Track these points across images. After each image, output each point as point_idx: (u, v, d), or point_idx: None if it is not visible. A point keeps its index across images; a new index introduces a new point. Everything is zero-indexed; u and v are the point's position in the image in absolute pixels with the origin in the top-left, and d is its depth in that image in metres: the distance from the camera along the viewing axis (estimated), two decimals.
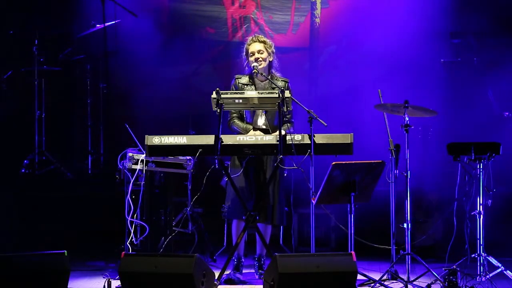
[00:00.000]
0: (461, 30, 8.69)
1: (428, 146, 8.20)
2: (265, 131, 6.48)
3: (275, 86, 6.45)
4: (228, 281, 6.35)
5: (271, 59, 6.58)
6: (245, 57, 6.63)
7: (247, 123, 6.54)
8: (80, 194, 8.05)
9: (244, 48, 6.62)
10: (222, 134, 6.09)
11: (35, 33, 8.61)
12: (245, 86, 6.53)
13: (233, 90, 6.45)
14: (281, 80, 6.54)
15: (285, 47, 9.04)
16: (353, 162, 6.01)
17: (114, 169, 7.04)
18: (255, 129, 6.49)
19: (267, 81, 6.56)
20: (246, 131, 6.47)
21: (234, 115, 6.58)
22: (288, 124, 6.53)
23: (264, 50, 6.53)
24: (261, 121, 6.53)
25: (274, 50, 6.61)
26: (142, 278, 5.45)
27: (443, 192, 7.70)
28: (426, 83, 8.40)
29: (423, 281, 6.11)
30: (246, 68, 6.63)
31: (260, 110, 6.47)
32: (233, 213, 6.47)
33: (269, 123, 6.51)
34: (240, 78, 6.61)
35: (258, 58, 6.49)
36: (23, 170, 8.41)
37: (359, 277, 5.97)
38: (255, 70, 6.46)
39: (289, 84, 6.56)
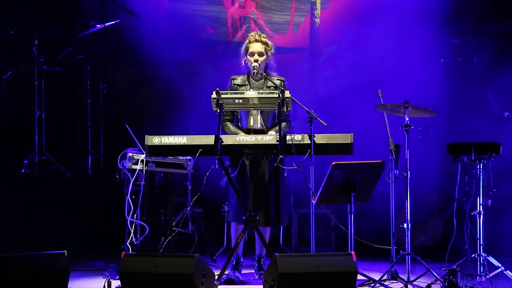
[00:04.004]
0: (461, 30, 8.69)
1: (428, 146, 8.20)
2: (260, 132, 6.46)
3: (270, 85, 6.45)
4: (228, 281, 6.34)
5: (268, 61, 6.57)
6: (243, 54, 6.58)
7: (238, 127, 6.52)
8: (80, 194, 8.06)
9: (244, 45, 6.58)
10: (221, 134, 6.10)
11: (35, 33, 8.62)
12: (240, 87, 6.51)
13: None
14: (277, 79, 6.53)
15: (285, 47, 9.04)
16: (353, 162, 6.00)
17: (114, 169, 7.04)
18: (249, 130, 6.47)
19: (263, 80, 6.55)
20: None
21: (227, 117, 6.55)
22: (285, 123, 6.48)
23: (265, 53, 6.51)
24: (256, 121, 6.51)
25: (273, 52, 6.60)
26: (142, 278, 5.45)
27: (443, 192, 7.70)
28: (426, 83, 8.40)
29: (423, 281, 6.11)
30: (243, 63, 6.60)
31: (255, 110, 6.45)
32: (236, 216, 6.45)
33: (264, 123, 6.49)
34: (236, 79, 6.59)
35: (257, 60, 6.47)
36: (23, 170, 8.41)
37: (359, 277, 5.97)
38: (255, 70, 6.45)
39: (285, 83, 6.55)
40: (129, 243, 6.66)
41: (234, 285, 6.33)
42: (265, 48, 6.51)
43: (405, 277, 6.15)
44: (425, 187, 7.83)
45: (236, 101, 6.15)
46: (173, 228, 6.96)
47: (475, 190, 6.28)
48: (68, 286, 5.62)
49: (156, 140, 6.16)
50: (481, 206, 6.23)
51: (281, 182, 6.49)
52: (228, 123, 6.54)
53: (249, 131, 6.47)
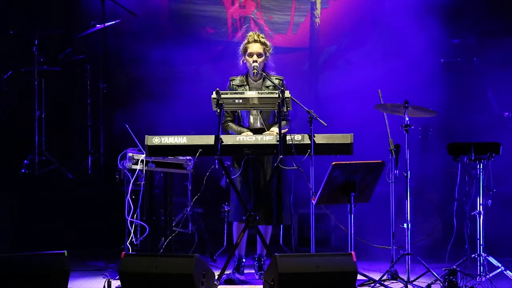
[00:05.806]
0: (461, 30, 8.69)
1: (428, 146, 8.19)
2: (261, 130, 6.46)
3: (269, 84, 6.45)
4: (228, 281, 6.34)
5: (266, 61, 6.57)
6: (241, 54, 6.58)
7: (240, 125, 6.52)
8: (80, 194, 8.06)
9: (243, 45, 6.58)
10: (222, 134, 6.10)
11: (35, 33, 8.61)
12: (239, 87, 6.51)
13: None
14: (276, 78, 6.53)
15: (285, 47, 9.05)
16: (353, 162, 6.00)
17: (114, 169, 7.04)
18: (250, 129, 6.47)
19: (261, 80, 6.55)
20: (240, 134, 6.43)
21: (228, 118, 6.56)
22: (285, 121, 6.47)
23: (264, 54, 6.51)
24: (256, 120, 6.51)
25: (272, 52, 6.60)
26: (142, 278, 5.45)
27: (443, 192, 7.70)
28: (426, 83, 8.40)
29: (423, 281, 6.11)
30: (241, 63, 6.60)
31: (255, 110, 6.45)
32: (237, 216, 6.45)
33: (265, 122, 6.49)
34: (234, 80, 6.59)
35: (256, 61, 6.47)
36: (23, 170, 8.41)
37: (359, 277, 5.97)
38: (255, 71, 6.45)
39: (284, 82, 6.55)
40: (129, 243, 6.65)
41: (234, 285, 6.33)
42: (264, 49, 6.51)
43: (405, 277, 6.14)
44: (425, 187, 7.83)
45: (236, 101, 6.15)
46: (173, 228, 6.96)
47: (475, 190, 6.27)
48: (68, 286, 5.62)
49: (156, 140, 6.16)
50: (481, 206, 6.23)
51: (283, 181, 6.50)
52: (230, 123, 6.54)
53: (250, 130, 6.47)
